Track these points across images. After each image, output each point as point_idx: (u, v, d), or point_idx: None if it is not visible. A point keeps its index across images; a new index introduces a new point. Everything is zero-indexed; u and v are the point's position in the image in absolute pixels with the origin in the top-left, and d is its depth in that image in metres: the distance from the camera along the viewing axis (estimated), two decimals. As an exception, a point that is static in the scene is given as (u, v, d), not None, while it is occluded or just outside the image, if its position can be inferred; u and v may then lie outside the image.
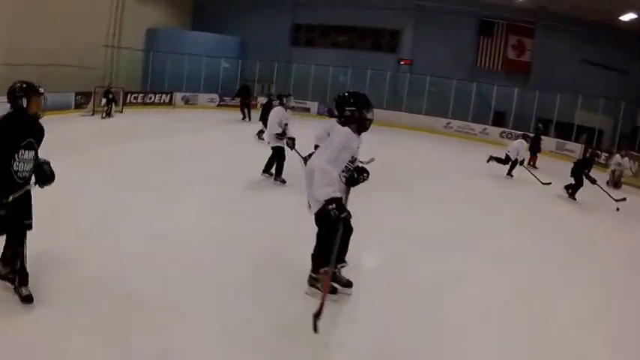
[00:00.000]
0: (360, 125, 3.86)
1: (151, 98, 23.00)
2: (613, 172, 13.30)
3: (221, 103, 24.61)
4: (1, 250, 3.60)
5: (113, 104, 17.95)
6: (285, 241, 5.58)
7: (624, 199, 9.70)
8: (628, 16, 18.93)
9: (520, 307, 4.54)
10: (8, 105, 3.54)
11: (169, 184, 7.97)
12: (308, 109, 24.88)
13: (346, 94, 4.06)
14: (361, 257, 4.95)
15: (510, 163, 11.74)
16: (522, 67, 22.96)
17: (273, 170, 8.26)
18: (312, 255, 4.02)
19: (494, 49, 23.25)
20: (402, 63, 25.22)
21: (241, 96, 20.17)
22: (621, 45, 20.62)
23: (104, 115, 17.47)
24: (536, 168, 13.75)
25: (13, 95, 3.52)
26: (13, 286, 3.54)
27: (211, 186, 8.05)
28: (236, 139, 14.95)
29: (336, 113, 3.96)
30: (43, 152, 3.72)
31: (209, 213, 6.59)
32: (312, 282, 4.04)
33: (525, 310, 4.46)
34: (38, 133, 3.63)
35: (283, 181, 8.08)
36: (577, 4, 19.84)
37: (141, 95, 22.61)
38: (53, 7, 18.95)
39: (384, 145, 13.24)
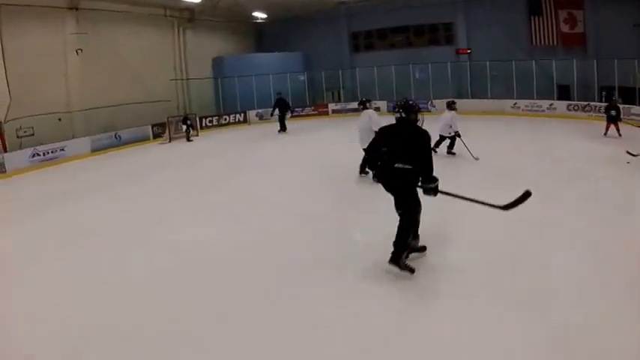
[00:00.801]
0: None
1: (225, 119, 26.09)
2: None
3: (293, 114, 26.81)
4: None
5: (191, 129, 21.28)
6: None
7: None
8: None
9: None
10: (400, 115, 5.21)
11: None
12: (378, 108, 26.96)
13: None
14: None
15: None
16: (577, 39, 24.05)
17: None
18: None
19: (546, 26, 24.59)
20: (460, 53, 27.14)
21: (279, 109, 21.17)
22: None
23: (190, 138, 20.89)
24: (620, 135, 14.84)
25: (412, 110, 5.14)
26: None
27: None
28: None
29: None
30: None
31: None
32: None
33: None
34: None
35: None
36: (620, -35, 20.61)
37: (215, 118, 25.76)
38: (121, 57, 21.86)
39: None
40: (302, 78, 29.36)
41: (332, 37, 29.92)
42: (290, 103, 27.25)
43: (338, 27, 29.86)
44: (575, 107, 22.11)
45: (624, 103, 20.29)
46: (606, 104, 17.12)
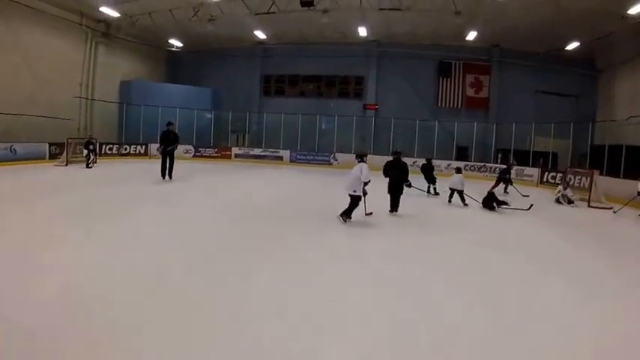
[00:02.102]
0: None
1: (126, 149, 23.44)
2: (563, 199, 13.98)
3: (196, 154, 25.28)
4: None
5: (92, 155, 18.19)
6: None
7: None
8: (572, 45, 20.31)
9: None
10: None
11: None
12: (281, 158, 25.38)
13: None
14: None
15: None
16: (481, 102, 23.81)
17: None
18: None
19: (453, 88, 24.17)
20: (367, 108, 26.06)
21: (163, 143, 14.35)
22: (570, 72, 21.91)
23: (89, 165, 17.83)
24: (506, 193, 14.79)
25: (401, 155, 10.97)
26: None
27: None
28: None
29: None
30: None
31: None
32: None
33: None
34: None
35: (349, 220, 9.34)
36: (527, 39, 21.05)
37: (116, 146, 23.08)
38: (26, 59, 19.20)
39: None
40: (209, 116, 27.28)
41: (245, 76, 28.30)
42: (194, 141, 25.41)
43: (252, 67, 28.34)
44: (472, 167, 21.06)
45: (519, 164, 19.81)
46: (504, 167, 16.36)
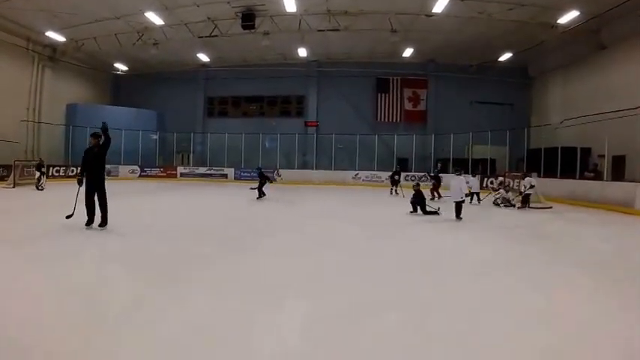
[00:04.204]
0: None
1: (73, 171, 21.67)
2: (502, 201, 13.47)
3: (142, 174, 23.91)
4: None
5: (43, 177, 16.50)
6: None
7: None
8: (505, 56, 19.90)
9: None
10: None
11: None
12: (225, 175, 23.88)
13: None
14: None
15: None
16: (419, 115, 22.97)
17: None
18: None
19: (391, 103, 23.24)
20: (308, 125, 24.80)
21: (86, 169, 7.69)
22: (504, 82, 21.59)
23: (40, 187, 15.93)
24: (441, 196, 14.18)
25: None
26: None
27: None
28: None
29: None
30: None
31: None
32: None
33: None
34: None
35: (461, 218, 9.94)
36: (461, 53, 20.47)
37: (63, 168, 21.58)
38: None
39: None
40: (154, 137, 25.41)
41: (188, 99, 26.56)
42: (140, 162, 23.68)
43: (195, 90, 26.64)
44: (412, 177, 19.83)
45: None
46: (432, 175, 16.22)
